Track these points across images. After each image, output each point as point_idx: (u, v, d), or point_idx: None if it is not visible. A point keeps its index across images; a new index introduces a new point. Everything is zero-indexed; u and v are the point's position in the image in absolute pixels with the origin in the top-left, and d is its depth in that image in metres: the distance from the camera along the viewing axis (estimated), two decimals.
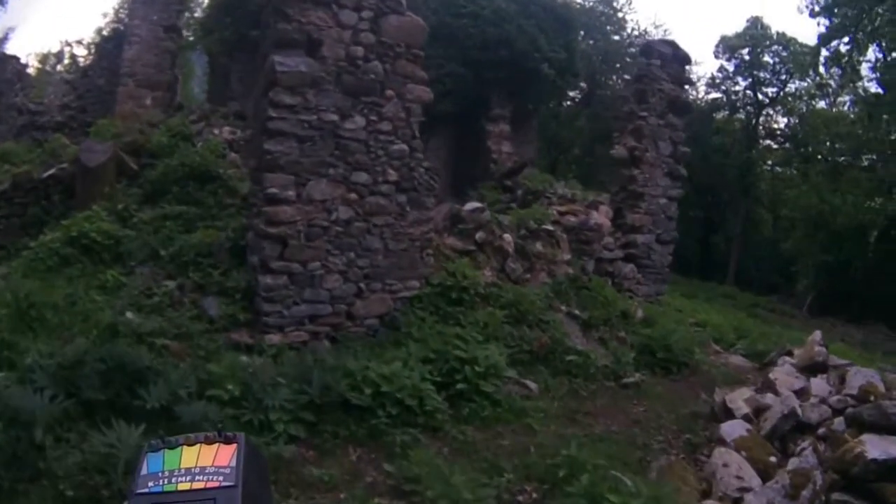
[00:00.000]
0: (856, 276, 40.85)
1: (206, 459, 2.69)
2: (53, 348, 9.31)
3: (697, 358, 15.24)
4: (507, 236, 15.59)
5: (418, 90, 13.01)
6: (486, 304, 13.59)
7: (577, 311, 15.29)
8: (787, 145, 53.06)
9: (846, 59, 37.75)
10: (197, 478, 2.62)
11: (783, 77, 50.99)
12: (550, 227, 16.96)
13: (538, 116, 35.05)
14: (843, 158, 46.91)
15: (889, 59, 37.82)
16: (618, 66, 47.56)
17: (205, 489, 2.58)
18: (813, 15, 38.95)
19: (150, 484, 2.58)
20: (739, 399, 11.89)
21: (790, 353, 14.39)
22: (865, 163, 45.46)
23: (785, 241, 47.93)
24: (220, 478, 2.62)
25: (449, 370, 11.10)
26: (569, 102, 48.34)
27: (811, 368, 12.73)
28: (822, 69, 45.03)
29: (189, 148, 17.60)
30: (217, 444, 2.76)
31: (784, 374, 12.66)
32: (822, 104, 52.60)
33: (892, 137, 39.96)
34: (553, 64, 29.10)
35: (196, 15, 37.93)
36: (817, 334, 13.80)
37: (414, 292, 13.08)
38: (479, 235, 15.22)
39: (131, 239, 13.79)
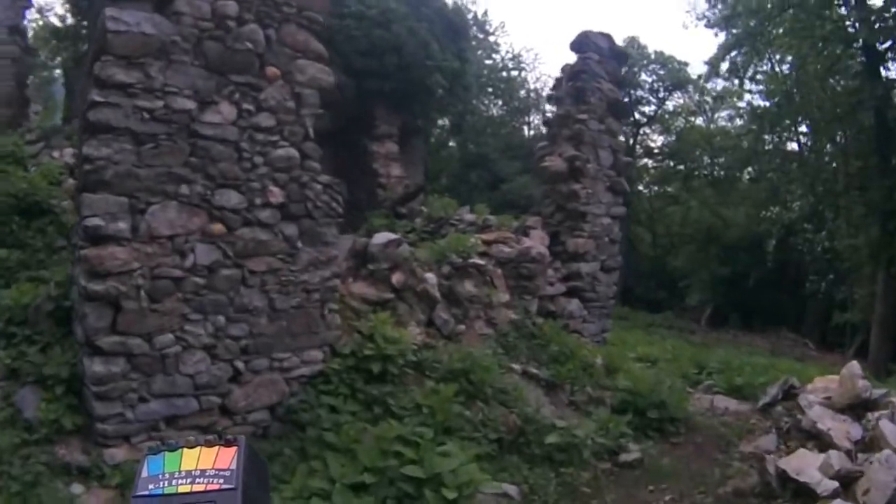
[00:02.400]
0: (753, 286, 39.91)
1: (207, 462, 2.44)
2: None
3: (691, 409, 12.08)
4: (431, 276, 11.75)
5: (314, 70, 8.86)
6: (422, 376, 9.83)
7: (535, 370, 11.50)
8: (666, 163, 51.86)
9: (741, 70, 36.62)
10: (197, 480, 2.38)
11: (661, 95, 49.40)
12: (480, 261, 13.06)
13: (426, 135, 31.63)
14: (722, 172, 46.97)
15: (779, 70, 38.37)
16: (490, 90, 45.61)
17: (205, 492, 2.35)
18: (709, 26, 38.58)
19: (150, 486, 2.37)
20: (809, 466, 8.68)
21: (792, 387, 12.15)
22: (748, 175, 45.56)
23: (668, 257, 47.40)
24: (221, 480, 2.39)
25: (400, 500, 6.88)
26: (437, 129, 43.12)
27: (854, 407, 10.01)
28: (709, 84, 44.04)
29: (18, 174, 14.01)
30: (217, 447, 2.49)
31: (828, 419, 9.83)
32: (699, 121, 51.78)
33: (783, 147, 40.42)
34: (445, 74, 25.17)
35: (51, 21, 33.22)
36: (855, 366, 10.78)
37: (317, 368, 9.02)
38: (396, 278, 11.19)
39: None
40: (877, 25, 27.95)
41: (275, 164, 8.36)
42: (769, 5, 31.45)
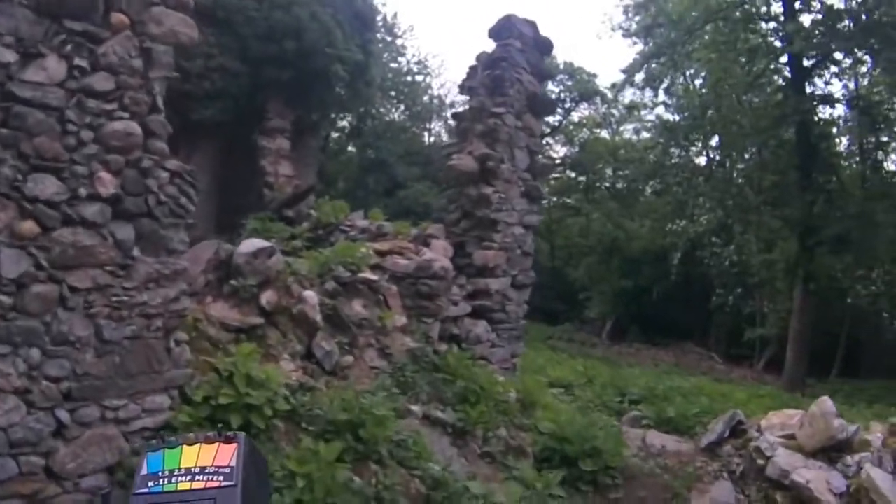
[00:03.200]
0: (657, 298, 39.52)
1: (206, 459, 2.67)
2: None
3: (625, 453, 10.34)
4: (311, 295, 9.55)
5: (173, 21, 6.54)
6: (298, 429, 7.65)
7: (439, 413, 9.55)
8: (568, 173, 51.40)
9: (657, 80, 36.42)
10: (197, 478, 2.61)
11: (567, 106, 48.63)
12: (372, 276, 11.04)
13: (320, 133, 29.71)
14: (623, 185, 47.06)
15: (693, 85, 38.93)
16: (392, 94, 44.16)
17: (205, 489, 2.57)
18: (628, 36, 39.44)
19: (150, 484, 2.60)
20: None
21: (740, 423, 10.90)
22: (650, 189, 45.20)
23: (567, 268, 46.30)
24: (220, 477, 2.60)
25: None
26: (336, 134, 43.65)
27: (827, 450, 9.16)
28: (619, 96, 43.36)
29: None
30: (217, 444, 2.72)
31: (802, 467, 8.90)
32: (604, 133, 51.25)
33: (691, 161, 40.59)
34: (347, 65, 22.91)
35: None
36: (827, 403, 9.66)
37: (162, 418, 6.59)
38: (267, 298, 8.93)
39: None
40: (809, 39, 27.93)
41: (108, 141, 6.06)
42: (693, 14, 31.20)
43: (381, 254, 12.23)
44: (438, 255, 12.29)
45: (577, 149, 50.13)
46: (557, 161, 50.35)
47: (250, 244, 9.23)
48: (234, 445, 2.69)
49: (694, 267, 38.50)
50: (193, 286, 7.81)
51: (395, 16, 55.32)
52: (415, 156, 41.06)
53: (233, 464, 2.57)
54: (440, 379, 10.29)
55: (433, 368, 10.55)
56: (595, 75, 47.04)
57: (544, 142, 47.57)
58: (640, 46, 37.54)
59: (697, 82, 38.03)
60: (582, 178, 48.92)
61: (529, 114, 13.84)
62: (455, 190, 13.36)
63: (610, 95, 43.94)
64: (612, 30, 41.21)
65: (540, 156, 14.48)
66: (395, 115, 46.70)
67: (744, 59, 31.27)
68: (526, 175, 13.75)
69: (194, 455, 2.63)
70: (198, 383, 6.96)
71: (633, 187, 45.49)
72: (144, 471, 2.59)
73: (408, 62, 46.24)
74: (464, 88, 13.68)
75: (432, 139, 47.43)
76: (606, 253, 42.06)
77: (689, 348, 36.57)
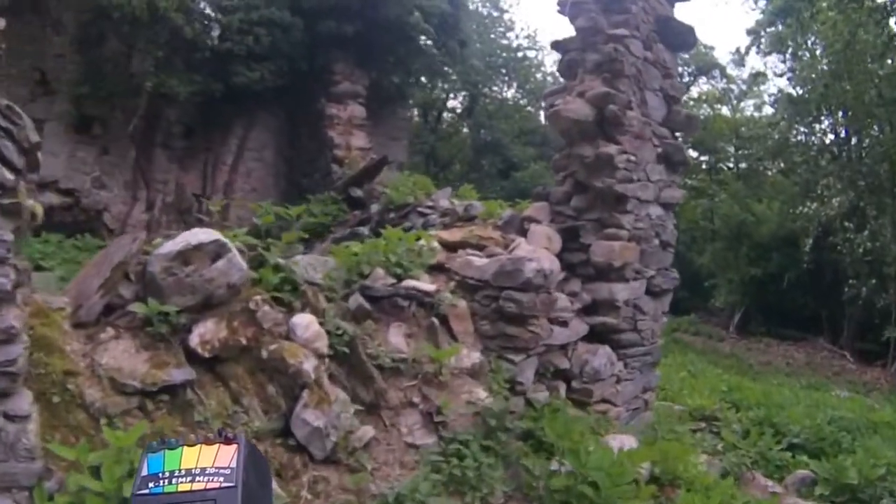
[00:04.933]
0: (787, 289, 34.18)
1: (207, 460, 2.32)
2: None
3: None
4: (303, 321, 5.89)
5: None
6: None
7: None
8: (690, 152, 44.10)
9: (783, 45, 32.80)
10: (197, 479, 2.28)
11: (686, 80, 43.00)
12: (426, 286, 7.07)
13: (409, 102, 24.90)
14: (746, 165, 42.03)
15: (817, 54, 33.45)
16: (504, 72, 39.14)
17: (205, 490, 2.25)
18: None
19: (151, 485, 2.27)
20: None
21: None
22: (774, 169, 40.31)
23: (691, 254, 40.30)
24: (221, 478, 2.27)
25: None
26: (449, 114, 39.21)
27: None
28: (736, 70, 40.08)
29: None
30: (217, 445, 2.36)
31: None
32: (724, 109, 45.78)
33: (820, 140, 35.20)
34: (429, 16, 18.47)
35: None
36: None
37: None
38: (202, 335, 5.35)
39: None
40: None
41: None
42: None
43: (449, 247, 8.03)
44: (538, 247, 7.85)
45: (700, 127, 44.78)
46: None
47: (181, 239, 5.44)
48: (235, 447, 2.24)
49: (826, 254, 33.54)
50: (80, 312, 5.17)
51: None
52: (530, 135, 36.73)
53: (233, 465, 2.17)
54: (526, 467, 6.11)
55: (521, 437, 6.58)
56: (712, 47, 41.89)
57: None
58: (756, 14, 33.58)
59: (819, 52, 32.84)
60: (704, 158, 43.69)
61: (661, 44, 9.10)
62: (564, 152, 8.76)
63: (731, 67, 40.39)
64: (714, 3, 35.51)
65: (680, 105, 9.53)
66: (509, 94, 41.83)
67: (874, 20, 26.23)
68: (663, 131, 8.99)
69: (195, 456, 2.19)
70: (59, 485, 4.21)
71: (756, 167, 40.75)
72: (145, 472, 2.17)
73: (517, 37, 41.08)
74: (564, 5, 8.75)
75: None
76: (733, 238, 36.97)
77: (819, 345, 31.89)
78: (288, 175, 19.34)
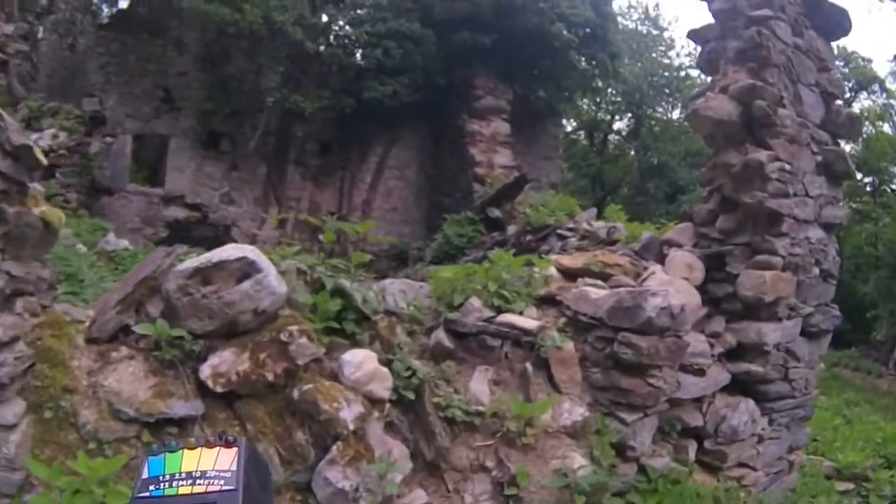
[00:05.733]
0: None
1: (207, 463, 2.20)
2: None
3: None
4: (354, 358, 4.84)
5: None
6: None
7: None
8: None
9: None
10: (198, 482, 2.15)
11: (846, 97, 38.63)
12: (527, 322, 5.59)
13: (561, 118, 23.51)
14: None
15: None
16: (667, 91, 37.11)
17: (205, 493, 2.12)
18: None
19: (151, 488, 2.15)
20: None
21: None
22: None
23: (854, 281, 37.17)
24: (221, 482, 2.15)
25: None
26: (615, 136, 38.62)
27: None
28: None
29: None
30: (218, 448, 2.23)
31: None
32: (885, 127, 41.66)
33: None
34: (572, 25, 17.15)
35: None
36: None
37: None
38: (215, 367, 4.50)
39: None
40: None
41: None
42: None
43: (569, 275, 6.69)
44: (675, 277, 6.43)
45: (859, 146, 40.88)
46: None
47: (207, 257, 4.72)
48: (235, 450, 2.12)
49: None
50: (94, 328, 4.62)
51: (657, 6, 49.89)
52: (696, 157, 34.68)
53: (233, 468, 2.06)
54: None
55: None
56: (870, 60, 39.01)
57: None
58: None
59: None
60: (868, 180, 40.01)
61: (813, 31, 7.37)
62: (710, 162, 7.23)
63: (890, 80, 37.66)
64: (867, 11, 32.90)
65: (840, 101, 7.77)
66: (674, 115, 40.06)
67: None
68: (822, 134, 7.22)
69: (195, 459, 2.08)
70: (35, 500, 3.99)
71: None
72: (145, 475, 2.06)
73: (677, 55, 39.60)
74: None
75: None
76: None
77: None
78: (430, 194, 18.49)
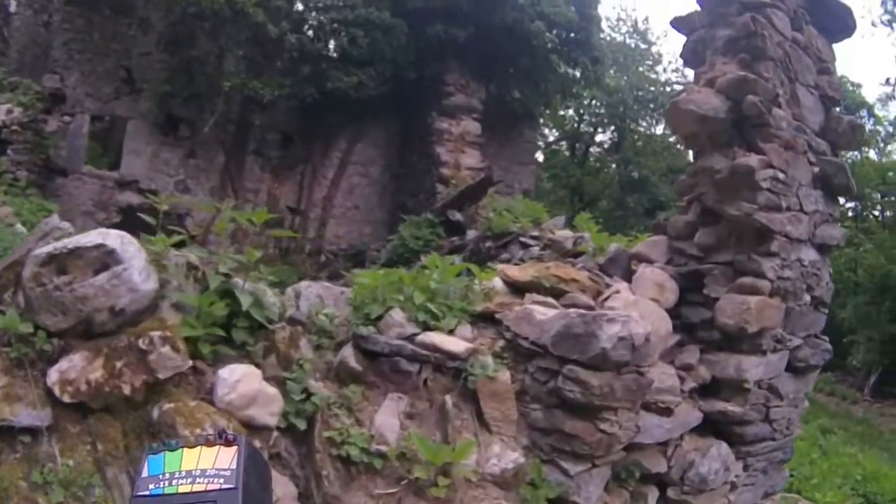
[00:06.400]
0: None
1: (207, 462, 2.18)
2: None
3: None
4: (231, 376, 3.98)
5: None
6: None
7: None
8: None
9: None
10: (197, 480, 2.15)
11: None
12: (454, 346, 4.59)
13: (536, 122, 22.44)
14: (891, 213, 39.61)
15: None
16: (652, 106, 36.19)
17: (205, 491, 2.12)
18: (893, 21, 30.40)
19: (151, 486, 2.14)
20: None
21: None
22: None
23: (833, 306, 35.43)
24: (221, 480, 2.14)
25: None
26: (597, 148, 38.16)
27: None
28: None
29: None
30: (218, 447, 2.22)
31: None
32: (871, 153, 42.15)
33: None
34: (552, 23, 16.24)
35: None
36: None
37: None
38: (64, 372, 3.73)
39: None
40: None
41: None
42: None
43: (516, 288, 5.69)
44: (643, 298, 5.47)
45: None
46: None
47: (65, 241, 4.00)
48: (235, 448, 2.10)
49: None
50: None
51: (646, 20, 49.91)
52: (678, 174, 34.45)
53: (233, 466, 2.05)
54: None
55: None
56: (859, 85, 39.58)
57: None
58: None
59: None
60: (850, 205, 39.84)
61: (814, 27, 6.43)
62: (690, 167, 6.41)
63: (878, 107, 37.83)
64: (873, 24, 32.03)
65: (839, 108, 6.82)
66: (657, 130, 39.74)
67: None
68: (820, 143, 6.26)
69: (195, 457, 2.06)
70: None
71: None
72: (145, 473, 2.05)
73: (664, 70, 39.43)
74: None
75: None
76: (877, 292, 33.84)
77: None
78: (395, 194, 17.60)
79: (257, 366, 4.09)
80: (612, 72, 30.76)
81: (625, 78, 34.45)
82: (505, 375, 4.41)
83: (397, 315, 4.60)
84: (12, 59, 16.74)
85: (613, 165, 37.87)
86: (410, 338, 4.46)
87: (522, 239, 11.09)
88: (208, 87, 14.84)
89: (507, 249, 11.08)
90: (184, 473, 2.10)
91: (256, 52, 15.18)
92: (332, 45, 15.81)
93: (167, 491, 2.06)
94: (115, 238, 3.87)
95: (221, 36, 14.51)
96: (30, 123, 13.90)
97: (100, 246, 3.74)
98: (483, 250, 11.08)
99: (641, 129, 37.79)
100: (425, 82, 16.10)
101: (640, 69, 36.53)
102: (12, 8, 17.09)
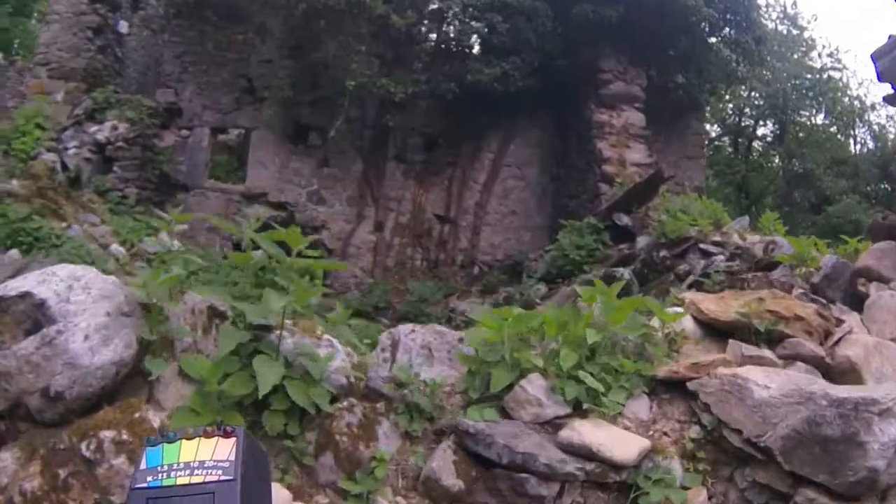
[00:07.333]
0: None
1: (205, 453, 2.07)
2: None
3: None
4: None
5: None
6: None
7: None
8: None
9: None
10: (196, 472, 2.03)
11: None
12: (615, 455, 2.72)
13: (702, 110, 20.09)
14: None
15: None
16: (811, 95, 34.13)
17: (203, 483, 2.01)
18: None
19: (149, 478, 2.03)
20: None
21: None
22: None
23: None
24: (219, 472, 2.02)
25: None
26: (759, 142, 35.66)
27: None
28: None
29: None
30: (216, 438, 2.11)
31: None
32: None
33: None
34: (711, 2, 14.65)
35: None
36: None
37: None
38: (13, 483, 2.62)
39: None
40: None
41: None
42: None
43: (713, 329, 4.13)
44: (887, 341, 3.73)
45: None
46: None
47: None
48: (234, 439, 2.00)
49: None
50: None
51: (794, 4, 45.87)
52: (841, 166, 32.71)
53: (232, 458, 1.94)
54: None
55: None
56: None
57: None
58: None
59: None
60: None
61: None
62: None
63: None
64: None
65: None
66: (817, 119, 37.47)
67: None
68: None
69: (193, 449, 1.97)
70: None
71: None
72: (143, 465, 1.94)
73: (819, 56, 36.55)
74: None
75: (858, 147, 37.52)
76: None
77: None
78: (555, 196, 16.12)
79: (304, 468, 2.78)
80: (768, 57, 27.55)
81: (778, 65, 32.47)
82: (700, 496, 2.76)
83: (535, 385, 3.03)
84: (130, 79, 16.52)
85: (776, 160, 36.24)
86: (551, 424, 2.88)
87: (703, 246, 9.54)
88: (334, 91, 13.89)
89: (685, 259, 9.54)
90: (182, 465, 1.94)
91: (387, 50, 14.28)
92: (466, 33, 14.64)
93: (165, 483, 1.90)
94: (56, 283, 2.81)
95: (341, 33, 13.62)
96: (137, 139, 13.54)
97: (25, 296, 2.71)
98: (657, 260, 9.58)
99: (802, 120, 35.67)
100: (578, 71, 14.55)
101: (796, 56, 34.64)
102: (124, 29, 16.83)
